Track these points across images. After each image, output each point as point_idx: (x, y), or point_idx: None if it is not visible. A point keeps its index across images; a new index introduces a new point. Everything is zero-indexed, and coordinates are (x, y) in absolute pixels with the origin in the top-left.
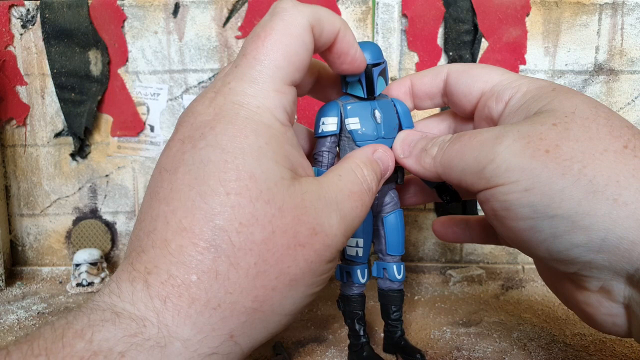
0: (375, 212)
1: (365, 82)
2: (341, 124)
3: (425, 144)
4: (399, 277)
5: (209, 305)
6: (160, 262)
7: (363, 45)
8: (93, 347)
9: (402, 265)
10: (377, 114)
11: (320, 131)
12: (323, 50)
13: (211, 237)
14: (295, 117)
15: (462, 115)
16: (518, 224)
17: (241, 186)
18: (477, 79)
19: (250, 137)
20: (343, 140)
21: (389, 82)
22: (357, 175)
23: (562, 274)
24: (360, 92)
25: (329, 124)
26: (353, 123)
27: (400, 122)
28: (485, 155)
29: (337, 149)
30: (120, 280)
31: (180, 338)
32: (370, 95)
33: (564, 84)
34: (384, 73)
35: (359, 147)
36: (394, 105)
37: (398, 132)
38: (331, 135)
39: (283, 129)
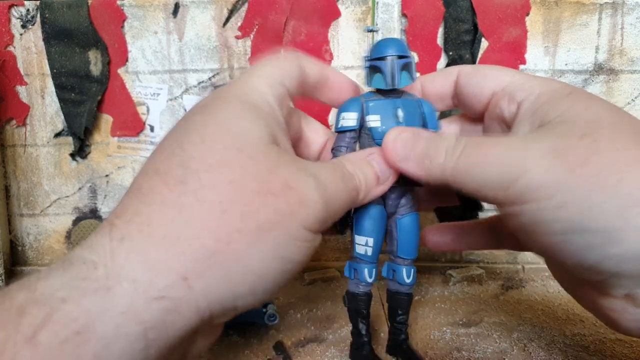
0: (389, 212)
1: (386, 71)
2: (362, 120)
3: (425, 146)
4: (408, 281)
5: (166, 239)
6: (129, 204)
7: (388, 40)
8: (35, 296)
9: (412, 269)
10: (400, 112)
11: (339, 126)
12: (315, 86)
13: (182, 176)
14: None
15: (473, 115)
16: (549, 238)
17: (217, 137)
18: (488, 79)
19: (238, 106)
20: (363, 137)
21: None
22: (340, 166)
23: (585, 280)
24: (382, 84)
25: (349, 119)
26: (374, 120)
27: (426, 124)
28: (513, 170)
29: (357, 145)
30: (90, 235)
31: (129, 278)
32: (392, 85)
33: None
34: (408, 68)
35: (378, 145)
36: (420, 106)
37: None
38: (350, 131)
39: (271, 109)
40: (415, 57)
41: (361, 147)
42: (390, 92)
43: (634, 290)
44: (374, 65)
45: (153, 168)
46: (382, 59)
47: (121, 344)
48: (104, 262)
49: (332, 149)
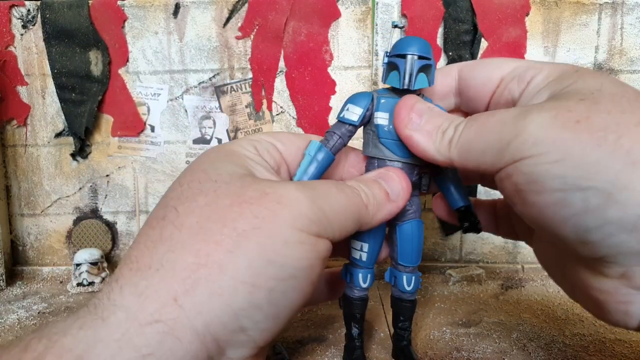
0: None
1: (402, 70)
2: (371, 116)
3: (441, 122)
4: (408, 289)
5: (152, 268)
6: (132, 253)
7: (412, 38)
8: (39, 334)
9: (413, 277)
10: None
11: (341, 116)
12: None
13: (162, 214)
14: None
15: (475, 111)
16: (544, 198)
17: (194, 177)
18: (495, 67)
19: (214, 154)
20: (368, 132)
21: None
22: (334, 182)
23: (576, 259)
24: (397, 82)
25: (353, 112)
26: (381, 118)
27: None
28: (510, 130)
29: (349, 140)
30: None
31: (122, 307)
32: (407, 85)
33: None
34: (427, 70)
35: (382, 144)
36: None
37: None
38: (349, 124)
39: (251, 154)
40: None
41: (364, 144)
42: (404, 92)
43: (632, 269)
44: (392, 62)
45: (150, 218)
46: (401, 56)
47: None
48: (102, 302)
49: (326, 131)
